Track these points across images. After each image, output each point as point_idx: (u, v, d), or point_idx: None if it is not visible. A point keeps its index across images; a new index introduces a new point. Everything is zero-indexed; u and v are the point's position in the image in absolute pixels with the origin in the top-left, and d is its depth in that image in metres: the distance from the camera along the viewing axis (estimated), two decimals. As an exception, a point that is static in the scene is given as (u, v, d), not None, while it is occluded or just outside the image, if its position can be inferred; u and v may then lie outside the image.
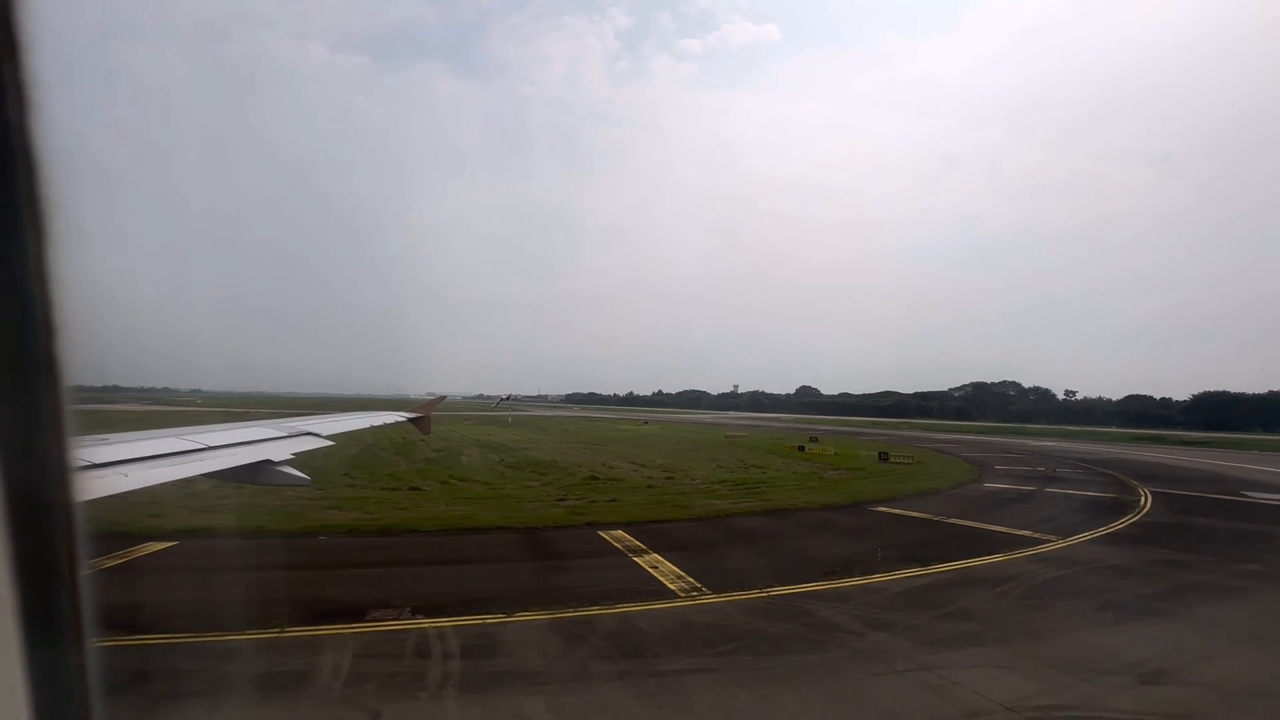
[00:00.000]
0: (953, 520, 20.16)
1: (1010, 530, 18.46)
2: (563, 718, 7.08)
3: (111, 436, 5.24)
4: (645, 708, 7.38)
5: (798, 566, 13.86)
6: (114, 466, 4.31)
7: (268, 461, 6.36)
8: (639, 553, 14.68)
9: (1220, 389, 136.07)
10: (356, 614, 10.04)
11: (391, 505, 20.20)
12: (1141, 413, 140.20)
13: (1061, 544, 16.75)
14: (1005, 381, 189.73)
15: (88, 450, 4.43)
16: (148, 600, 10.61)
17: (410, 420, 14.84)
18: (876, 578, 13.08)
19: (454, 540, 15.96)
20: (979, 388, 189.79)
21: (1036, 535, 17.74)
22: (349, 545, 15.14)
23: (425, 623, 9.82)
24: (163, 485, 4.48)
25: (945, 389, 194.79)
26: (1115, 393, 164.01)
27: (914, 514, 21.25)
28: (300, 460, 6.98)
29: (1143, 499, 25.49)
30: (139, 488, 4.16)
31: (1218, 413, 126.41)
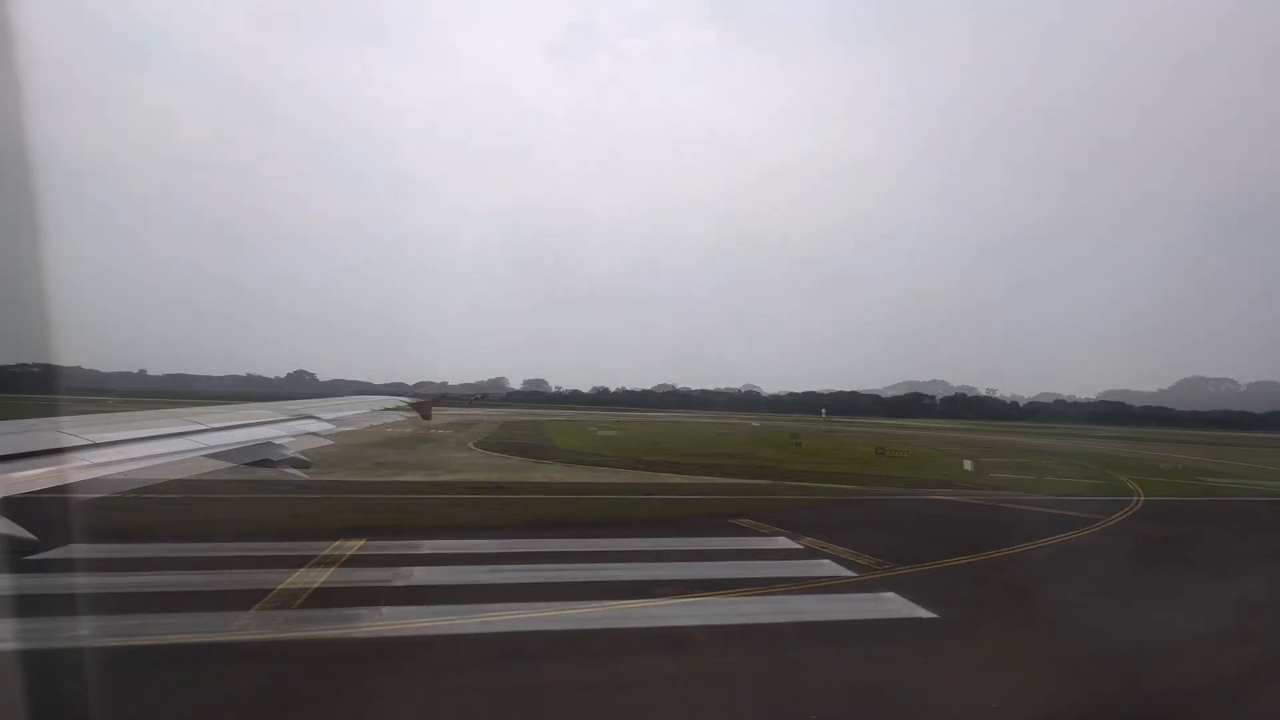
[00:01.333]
0: (1007, 505, 22.25)
1: (1061, 512, 20.47)
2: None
3: (113, 417, 5.33)
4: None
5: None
6: (116, 446, 4.34)
7: (270, 444, 6.57)
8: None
9: (1120, 388, 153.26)
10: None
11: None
12: (1055, 411, 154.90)
13: (1111, 521, 19.07)
14: (935, 380, 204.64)
15: (88, 431, 4.43)
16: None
17: (411, 405, 15.24)
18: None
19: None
20: (911, 386, 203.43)
21: (1084, 516, 19.71)
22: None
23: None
24: (170, 465, 4.53)
25: (880, 388, 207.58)
26: (1028, 391, 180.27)
27: (969, 500, 23.23)
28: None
29: (1132, 485, 28.72)
30: (142, 467, 4.22)
31: (1117, 409, 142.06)
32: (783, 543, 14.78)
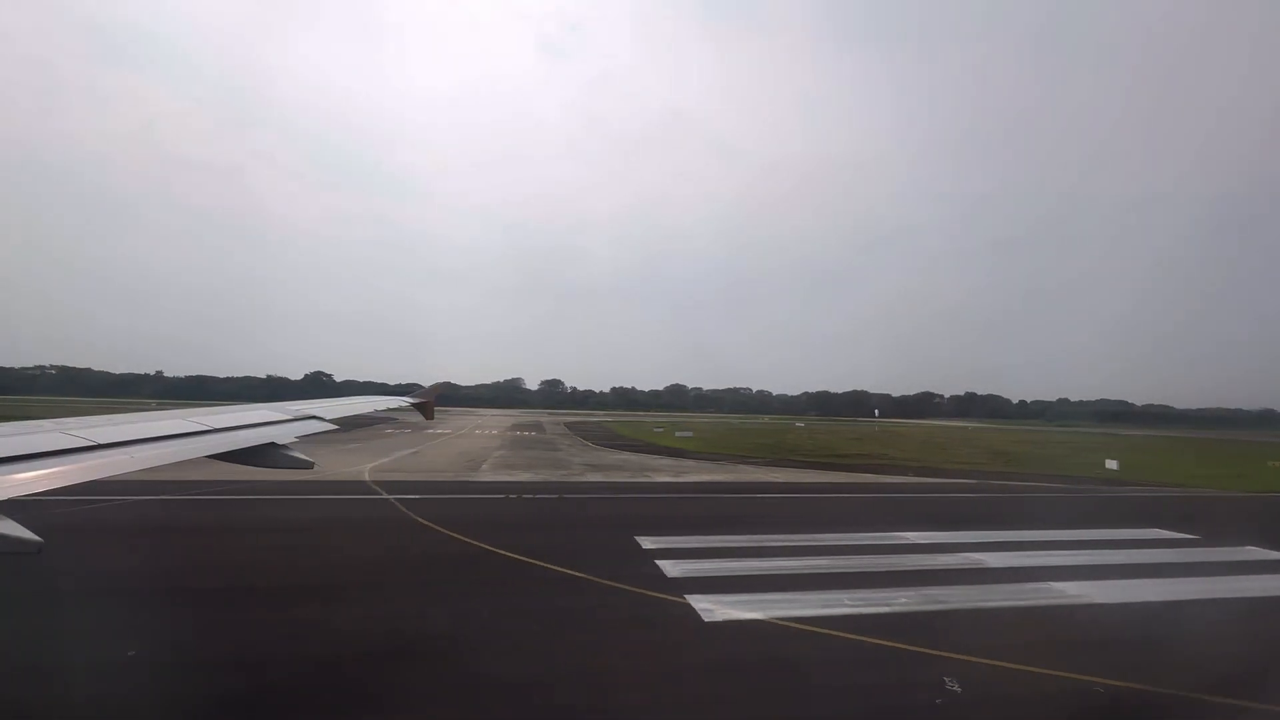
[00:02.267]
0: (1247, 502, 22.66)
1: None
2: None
3: (117, 417, 5.33)
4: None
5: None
6: (120, 447, 4.38)
7: (273, 444, 6.63)
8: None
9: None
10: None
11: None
12: (1060, 410, 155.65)
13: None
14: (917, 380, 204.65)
15: (91, 431, 4.46)
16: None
17: (414, 404, 15.13)
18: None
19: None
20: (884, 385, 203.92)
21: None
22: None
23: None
24: (172, 466, 4.63)
25: (866, 386, 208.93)
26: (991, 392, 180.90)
27: (1202, 496, 23.43)
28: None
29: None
30: (144, 468, 4.27)
31: (1119, 407, 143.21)
32: (1158, 533, 14.99)
